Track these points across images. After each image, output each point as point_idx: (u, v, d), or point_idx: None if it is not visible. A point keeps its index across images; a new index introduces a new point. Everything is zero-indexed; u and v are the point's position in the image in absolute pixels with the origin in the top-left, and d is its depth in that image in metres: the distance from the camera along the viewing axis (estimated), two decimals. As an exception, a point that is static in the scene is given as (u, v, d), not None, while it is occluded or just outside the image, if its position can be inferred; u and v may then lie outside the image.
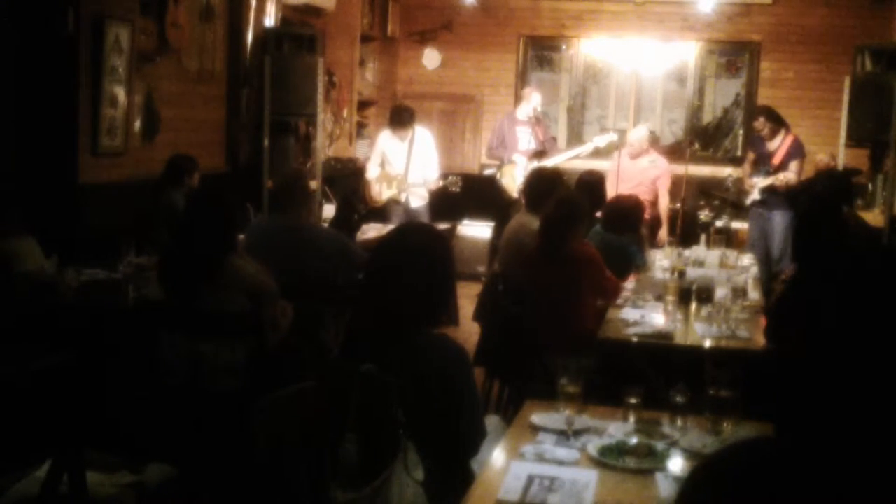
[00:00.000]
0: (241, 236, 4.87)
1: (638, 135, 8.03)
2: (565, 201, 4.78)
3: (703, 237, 6.62)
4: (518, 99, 10.21)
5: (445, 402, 2.44)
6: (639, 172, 7.85)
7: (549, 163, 8.22)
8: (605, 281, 4.72)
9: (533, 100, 8.52)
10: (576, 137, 10.18)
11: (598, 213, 5.82)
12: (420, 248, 2.60)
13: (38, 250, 4.49)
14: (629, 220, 5.77)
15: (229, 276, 3.77)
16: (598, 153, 8.61)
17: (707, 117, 10.28)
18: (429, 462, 2.40)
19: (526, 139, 8.45)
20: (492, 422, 2.87)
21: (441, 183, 7.80)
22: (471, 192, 8.01)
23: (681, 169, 8.48)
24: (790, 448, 1.04)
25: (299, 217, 5.00)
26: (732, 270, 5.61)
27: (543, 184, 5.59)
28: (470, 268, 8.39)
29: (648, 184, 7.83)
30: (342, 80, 8.90)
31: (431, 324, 2.57)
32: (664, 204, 7.94)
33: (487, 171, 9.79)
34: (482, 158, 10.27)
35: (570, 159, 8.61)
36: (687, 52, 9.99)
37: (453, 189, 7.77)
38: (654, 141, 9.54)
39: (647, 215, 7.12)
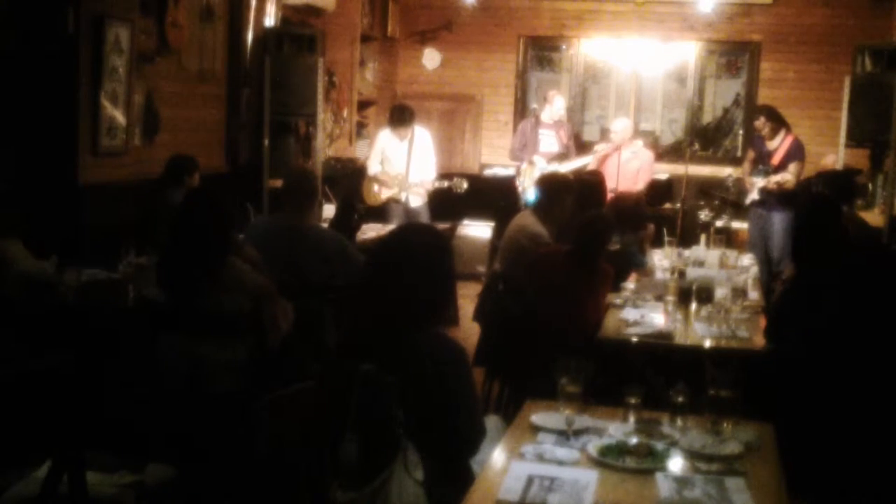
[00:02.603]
0: (241, 236, 4.87)
1: (620, 125, 8.03)
2: (608, 220, 5.01)
3: (703, 237, 6.61)
4: (519, 100, 10.25)
5: (445, 401, 2.44)
6: (622, 164, 7.86)
7: (569, 167, 8.18)
8: (602, 301, 4.78)
9: (556, 103, 8.54)
10: (576, 137, 10.17)
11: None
12: (420, 248, 2.60)
13: (26, 253, 4.48)
14: (631, 220, 5.79)
15: (229, 277, 3.77)
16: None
17: (707, 117, 10.28)
18: (429, 462, 2.40)
19: (548, 142, 8.46)
20: (492, 422, 2.87)
21: (446, 184, 7.79)
22: (471, 192, 8.01)
23: (681, 169, 8.48)
24: None
25: (301, 217, 5.00)
26: (732, 270, 5.60)
27: (553, 188, 5.60)
28: (470, 268, 8.39)
29: (631, 176, 7.83)
30: (342, 80, 8.90)
31: (431, 324, 2.57)
32: (635, 192, 7.90)
33: (487, 171, 9.81)
34: (482, 158, 10.28)
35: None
36: (687, 52, 9.99)
37: (458, 191, 7.76)
38: (654, 141, 9.56)
39: None
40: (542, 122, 8.53)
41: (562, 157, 8.40)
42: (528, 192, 8.29)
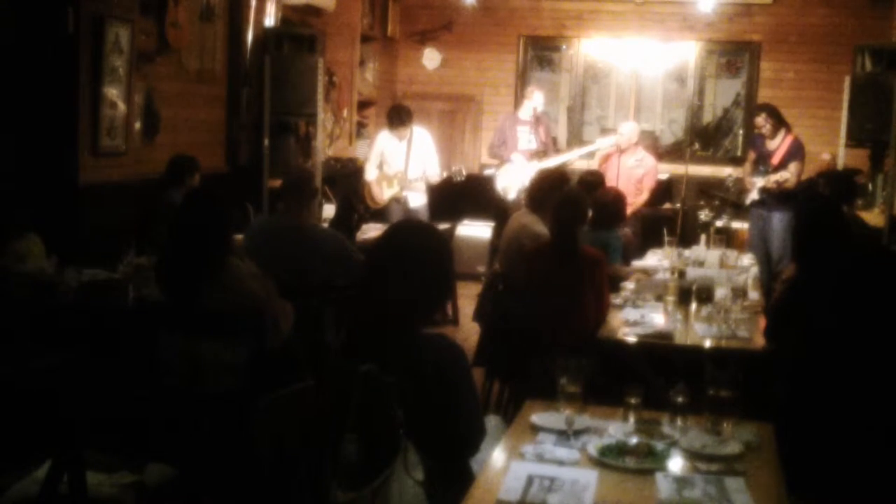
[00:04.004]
0: (240, 237, 4.87)
1: (627, 128, 8.03)
2: (574, 200, 4.87)
3: (703, 237, 6.62)
4: (519, 99, 10.24)
5: (445, 401, 2.44)
6: (625, 171, 7.87)
7: (549, 163, 8.18)
8: (604, 289, 4.72)
9: (535, 99, 8.47)
10: (576, 137, 10.18)
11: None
12: (417, 246, 2.59)
13: (41, 248, 4.49)
14: (615, 214, 5.82)
15: (229, 277, 3.77)
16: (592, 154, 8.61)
17: (707, 117, 10.28)
18: (429, 462, 2.39)
19: (526, 139, 8.42)
20: (492, 422, 2.87)
21: (445, 174, 7.75)
22: (471, 192, 8.00)
23: (681, 169, 8.48)
24: None
25: (301, 217, 5.01)
26: (732, 270, 5.61)
27: (547, 185, 5.60)
28: (470, 268, 8.38)
29: (634, 182, 7.84)
30: (342, 80, 8.90)
31: (430, 323, 2.57)
32: (640, 201, 7.92)
33: (487, 171, 9.79)
34: (482, 158, 10.28)
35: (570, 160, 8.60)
36: (687, 52, 10.00)
37: (458, 179, 7.70)
38: (654, 141, 9.56)
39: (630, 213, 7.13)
40: (519, 118, 8.46)
41: (541, 154, 8.36)
42: (507, 190, 8.28)
